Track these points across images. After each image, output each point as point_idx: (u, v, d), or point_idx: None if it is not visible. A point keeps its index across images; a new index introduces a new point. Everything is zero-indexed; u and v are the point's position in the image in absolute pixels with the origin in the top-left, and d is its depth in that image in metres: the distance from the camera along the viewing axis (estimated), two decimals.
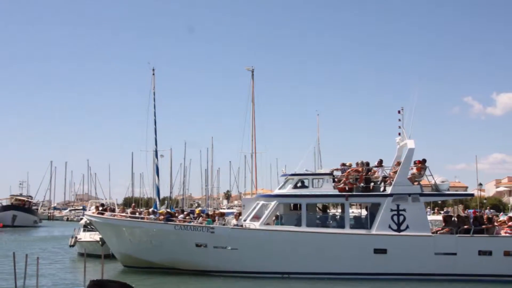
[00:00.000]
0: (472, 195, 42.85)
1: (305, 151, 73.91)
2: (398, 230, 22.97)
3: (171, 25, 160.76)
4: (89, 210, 30.58)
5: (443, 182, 24.61)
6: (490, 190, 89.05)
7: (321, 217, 25.41)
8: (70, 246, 35.09)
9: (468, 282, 22.10)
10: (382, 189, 24.09)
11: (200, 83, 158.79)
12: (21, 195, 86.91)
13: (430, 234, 23.09)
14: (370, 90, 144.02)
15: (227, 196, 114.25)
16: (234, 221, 25.40)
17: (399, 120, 25.53)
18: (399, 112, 25.50)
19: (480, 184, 70.36)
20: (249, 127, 42.28)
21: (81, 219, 42.40)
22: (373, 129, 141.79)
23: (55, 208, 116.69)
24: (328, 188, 24.29)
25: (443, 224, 24.40)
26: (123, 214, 27.92)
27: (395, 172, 24.02)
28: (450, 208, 55.22)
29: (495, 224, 23.75)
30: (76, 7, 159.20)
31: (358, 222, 24.61)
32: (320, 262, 23.02)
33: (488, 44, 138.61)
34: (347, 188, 24.00)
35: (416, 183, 23.71)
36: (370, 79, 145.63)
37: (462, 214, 31.74)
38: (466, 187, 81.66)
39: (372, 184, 24.31)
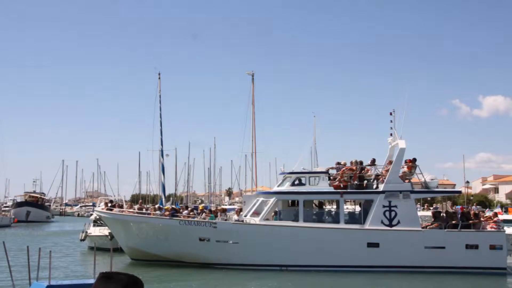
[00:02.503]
0: (459, 192, 42.73)
1: (302, 151, 74.36)
2: (390, 225, 22.99)
3: (176, 31, 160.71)
4: (99, 206, 30.70)
5: (432, 180, 24.63)
6: (476, 188, 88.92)
7: (318, 213, 25.46)
8: (81, 240, 35.15)
9: (456, 274, 22.14)
10: (375, 186, 24.11)
11: (203, 86, 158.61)
12: (34, 192, 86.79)
13: (420, 229, 23.11)
14: (363, 93, 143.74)
15: (229, 193, 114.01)
16: (235, 217, 25.41)
17: (391, 121, 25.58)
18: (391, 113, 25.54)
19: (467, 182, 70.30)
20: (250, 128, 42.35)
21: (91, 215, 42.33)
22: (367, 130, 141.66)
23: (66, 205, 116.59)
24: (324, 185, 24.30)
25: (433, 220, 24.41)
26: (131, 210, 27.94)
27: (387, 171, 24.04)
28: (439, 204, 55.09)
29: (481, 219, 23.78)
30: (85, 14, 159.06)
31: (352, 218, 24.64)
32: (317, 255, 23.03)
33: (474, 49, 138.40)
34: (342, 186, 24.01)
35: (407, 181, 23.75)
36: (364, 82, 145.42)
37: (450, 210, 31.68)
38: (454, 185, 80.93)
39: (365, 181, 24.34)
